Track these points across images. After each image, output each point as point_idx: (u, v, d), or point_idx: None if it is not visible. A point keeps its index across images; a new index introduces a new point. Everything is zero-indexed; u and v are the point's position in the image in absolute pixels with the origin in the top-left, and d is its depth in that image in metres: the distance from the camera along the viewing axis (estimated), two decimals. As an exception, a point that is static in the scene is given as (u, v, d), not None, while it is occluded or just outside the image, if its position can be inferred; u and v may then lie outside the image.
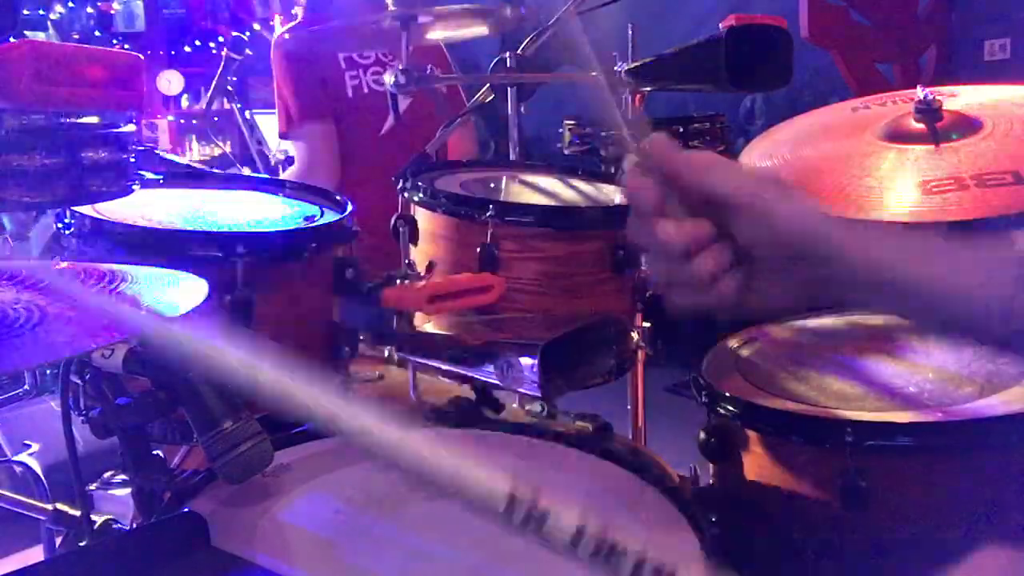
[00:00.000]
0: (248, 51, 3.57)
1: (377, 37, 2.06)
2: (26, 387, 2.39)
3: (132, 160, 1.21)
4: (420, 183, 1.47)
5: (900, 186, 1.30)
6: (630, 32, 1.83)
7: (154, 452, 1.08)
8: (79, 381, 1.14)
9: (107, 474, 1.54)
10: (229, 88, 3.61)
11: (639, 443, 1.84)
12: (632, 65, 1.76)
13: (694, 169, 0.79)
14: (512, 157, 1.90)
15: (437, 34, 2.06)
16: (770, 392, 1.30)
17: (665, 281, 0.81)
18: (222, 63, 3.55)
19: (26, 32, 5.36)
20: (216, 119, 4.75)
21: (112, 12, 5.99)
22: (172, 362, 1.01)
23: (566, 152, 1.83)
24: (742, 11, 1.79)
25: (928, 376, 1.31)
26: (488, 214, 1.36)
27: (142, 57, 1.30)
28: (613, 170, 1.75)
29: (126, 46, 5.77)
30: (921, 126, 1.38)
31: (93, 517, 1.17)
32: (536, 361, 1.26)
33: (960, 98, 1.45)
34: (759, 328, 1.52)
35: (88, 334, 0.76)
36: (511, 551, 0.93)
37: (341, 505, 1.03)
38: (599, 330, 1.39)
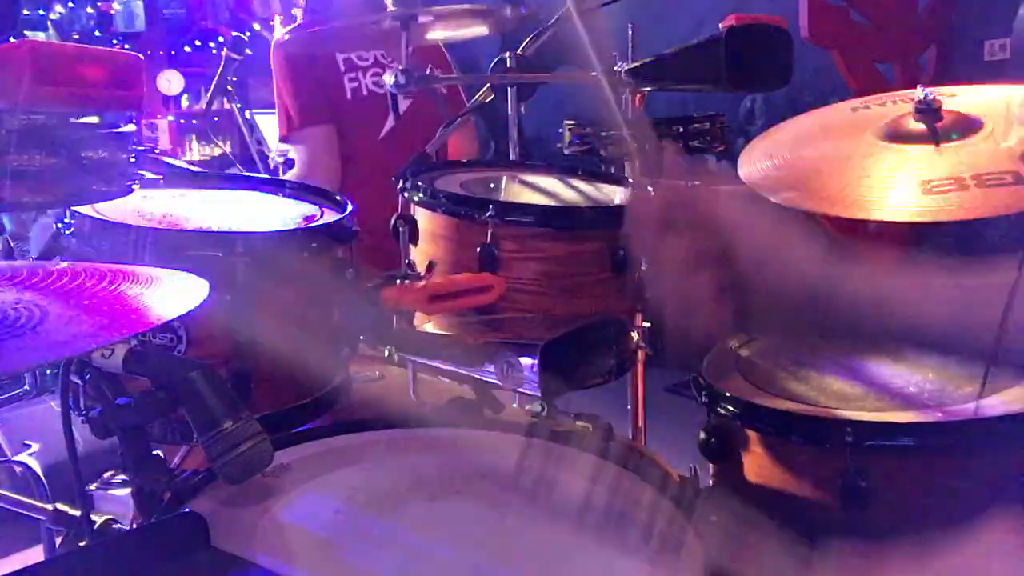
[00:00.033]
0: (248, 51, 3.57)
1: (377, 38, 2.06)
2: (26, 387, 2.39)
3: (132, 160, 1.21)
4: (420, 183, 1.47)
5: (900, 186, 1.30)
6: (630, 32, 1.83)
7: (154, 452, 1.08)
8: (79, 381, 1.14)
9: (107, 474, 1.54)
10: (229, 88, 3.61)
11: (639, 443, 1.84)
12: (632, 65, 1.76)
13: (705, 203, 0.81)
14: (512, 157, 1.89)
15: (437, 34, 2.06)
16: (770, 392, 1.30)
17: (662, 299, 0.83)
18: (222, 63, 3.55)
19: (26, 32, 5.37)
20: (216, 119, 4.75)
21: (112, 12, 5.99)
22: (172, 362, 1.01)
23: (566, 152, 1.83)
24: (742, 11, 1.80)
25: (928, 376, 1.31)
26: (488, 214, 1.36)
27: (142, 57, 1.30)
28: (613, 170, 1.75)
29: (126, 46, 5.77)
30: (921, 126, 1.38)
31: (93, 517, 1.17)
32: (536, 361, 1.25)
33: (960, 98, 1.45)
34: (759, 328, 1.52)
35: (88, 334, 0.76)
36: (511, 551, 0.93)
37: (341, 505, 1.03)
38: (599, 330, 1.39)
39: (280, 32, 4.06)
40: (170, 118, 5.60)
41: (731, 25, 1.57)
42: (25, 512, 1.33)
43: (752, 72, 1.59)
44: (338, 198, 1.56)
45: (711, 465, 1.35)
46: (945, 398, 1.24)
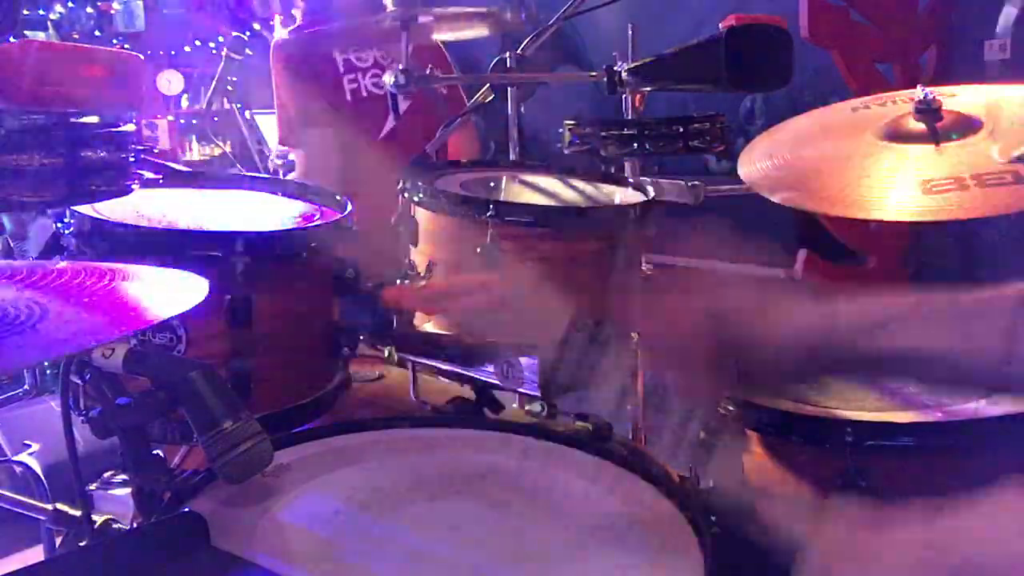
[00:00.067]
0: (248, 51, 3.57)
1: (377, 38, 2.06)
2: (26, 387, 2.39)
3: (132, 160, 1.21)
4: (420, 183, 1.47)
5: (900, 186, 1.30)
6: (630, 32, 1.83)
7: (154, 452, 1.08)
8: (79, 381, 1.14)
9: (107, 474, 1.54)
10: (229, 88, 3.61)
11: (639, 443, 1.84)
12: (632, 65, 1.76)
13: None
14: (512, 157, 1.89)
15: (438, 34, 2.06)
16: (770, 392, 1.30)
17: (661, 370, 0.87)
18: (222, 63, 3.55)
19: (26, 32, 5.36)
20: (216, 119, 4.75)
21: (112, 12, 5.99)
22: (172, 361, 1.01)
23: (566, 152, 1.83)
24: (742, 11, 1.80)
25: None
26: (488, 214, 1.35)
27: (142, 57, 1.30)
28: (613, 170, 1.75)
29: (126, 46, 5.77)
30: (921, 126, 1.38)
31: (93, 517, 1.17)
32: (536, 361, 1.26)
33: (960, 98, 1.45)
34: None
35: (88, 333, 0.76)
36: (511, 551, 0.93)
37: (341, 505, 1.03)
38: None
39: (280, 33, 4.06)
40: (170, 118, 5.59)
41: (731, 25, 1.57)
42: (25, 512, 1.33)
43: (752, 72, 1.59)
44: (338, 198, 1.56)
45: (711, 465, 1.35)
46: (945, 398, 1.24)
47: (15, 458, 2.04)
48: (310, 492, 1.05)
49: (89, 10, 5.95)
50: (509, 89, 1.86)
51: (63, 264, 1.06)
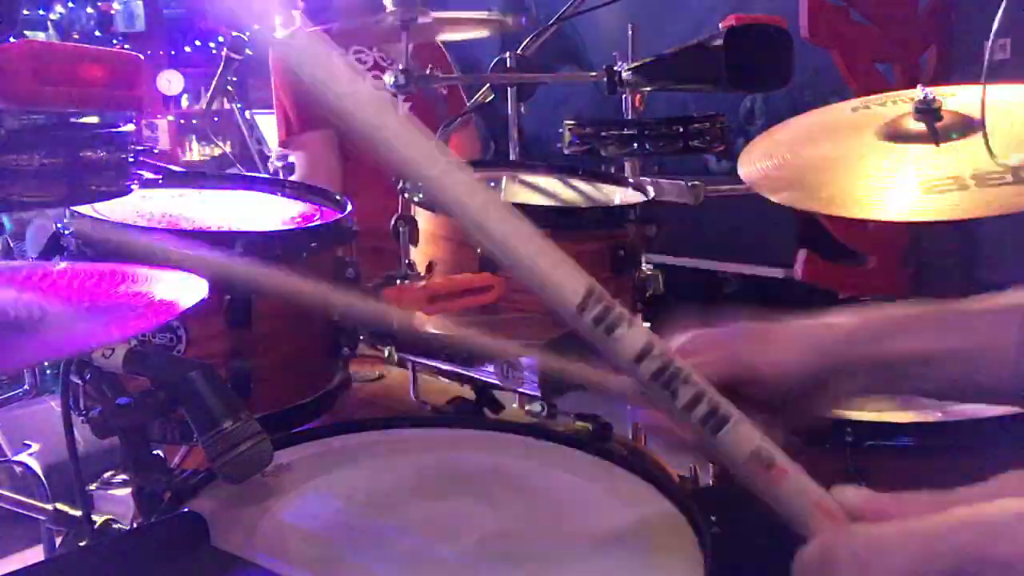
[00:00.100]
0: (248, 51, 3.57)
1: (377, 38, 2.06)
2: (26, 387, 2.39)
3: (132, 160, 1.21)
4: (420, 183, 1.47)
5: (900, 186, 1.30)
6: (630, 32, 1.83)
7: (154, 452, 1.08)
8: (79, 381, 1.14)
9: (107, 474, 1.54)
10: (229, 88, 3.60)
11: (639, 443, 1.84)
12: (632, 65, 1.76)
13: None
14: (512, 157, 1.89)
15: (438, 35, 2.06)
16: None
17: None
18: (222, 63, 3.54)
19: (26, 32, 5.36)
20: (216, 119, 4.75)
21: (112, 12, 5.99)
22: (172, 361, 1.01)
23: (566, 152, 1.83)
24: (742, 11, 1.80)
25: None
26: (488, 214, 1.35)
27: (142, 57, 1.30)
28: (613, 170, 1.75)
29: (126, 46, 5.77)
30: (921, 126, 1.39)
31: (93, 517, 1.17)
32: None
33: (960, 98, 1.45)
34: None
35: (88, 332, 0.76)
36: (511, 551, 0.93)
37: (341, 505, 1.03)
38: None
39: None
40: (170, 118, 5.60)
41: (731, 25, 1.57)
42: (25, 512, 1.34)
43: (752, 72, 1.59)
44: (338, 198, 1.56)
45: (711, 465, 1.35)
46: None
47: (15, 458, 2.04)
48: (310, 492, 1.05)
49: (89, 10, 5.96)
50: (509, 89, 1.86)
51: (63, 265, 1.06)
